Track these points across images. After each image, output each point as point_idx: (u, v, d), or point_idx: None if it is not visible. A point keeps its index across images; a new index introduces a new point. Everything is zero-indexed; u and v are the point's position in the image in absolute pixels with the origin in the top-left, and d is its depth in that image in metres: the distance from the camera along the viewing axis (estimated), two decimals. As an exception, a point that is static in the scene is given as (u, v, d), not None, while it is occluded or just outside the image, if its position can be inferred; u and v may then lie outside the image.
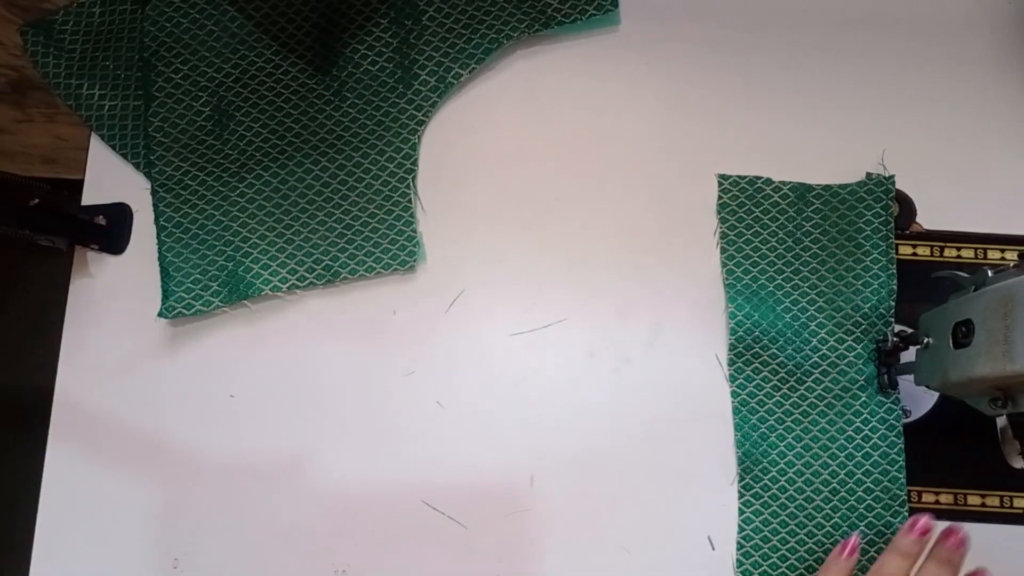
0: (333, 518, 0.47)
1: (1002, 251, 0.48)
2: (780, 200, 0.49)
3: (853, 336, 0.47)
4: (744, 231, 0.49)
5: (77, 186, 0.52)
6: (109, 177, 0.52)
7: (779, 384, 0.47)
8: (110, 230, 0.51)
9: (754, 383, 0.47)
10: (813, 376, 0.47)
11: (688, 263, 0.49)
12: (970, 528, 0.45)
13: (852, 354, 0.47)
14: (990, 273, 0.38)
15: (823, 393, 0.46)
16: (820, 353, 0.47)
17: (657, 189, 0.51)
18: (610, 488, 0.46)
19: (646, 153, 0.51)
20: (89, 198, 0.52)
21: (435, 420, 0.48)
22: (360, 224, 0.50)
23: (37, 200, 0.45)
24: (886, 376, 0.46)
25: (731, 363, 0.47)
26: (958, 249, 0.48)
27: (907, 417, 0.47)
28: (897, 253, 0.47)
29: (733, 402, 0.47)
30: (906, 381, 0.46)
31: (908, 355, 0.46)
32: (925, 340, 0.41)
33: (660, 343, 0.48)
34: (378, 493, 0.47)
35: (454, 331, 0.49)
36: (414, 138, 0.51)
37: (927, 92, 0.51)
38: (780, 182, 0.49)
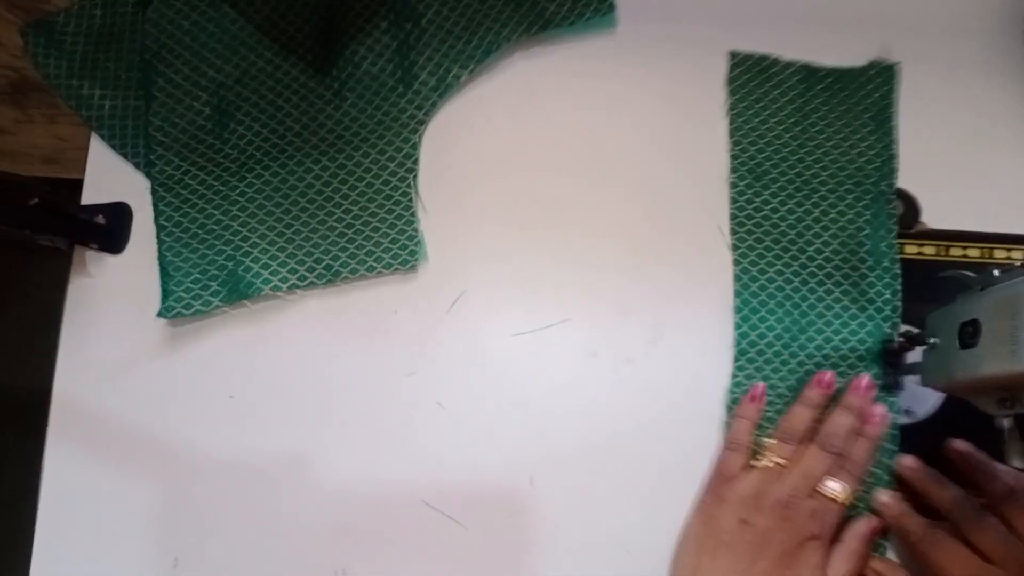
0: (333, 518, 0.46)
1: (1008, 250, 0.48)
2: (788, 78, 0.50)
3: (855, 210, 0.48)
4: (753, 104, 0.50)
5: (77, 186, 0.52)
6: (109, 177, 0.52)
7: (781, 253, 0.48)
8: (110, 230, 0.51)
9: (756, 252, 0.48)
10: (815, 246, 0.48)
11: (689, 263, 0.49)
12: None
13: (853, 226, 0.48)
14: (997, 272, 0.38)
15: (823, 263, 0.48)
16: (822, 224, 0.48)
17: (658, 189, 0.50)
18: (611, 488, 0.46)
19: (646, 153, 0.51)
20: (89, 198, 0.51)
21: (436, 420, 0.47)
22: (361, 224, 0.50)
23: (37, 199, 0.45)
24: (892, 377, 0.46)
25: (733, 232, 0.49)
26: (964, 248, 0.48)
27: (909, 418, 0.46)
28: (903, 252, 0.48)
29: (735, 270, 0.48)
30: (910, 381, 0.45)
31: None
32: (931, 340, 0.41)
33: (661, 343, 0.48)
34: (378, 493, 0.47)
35: (455, 331, 0.49)
36: (414, 138, 0.51)
37: (931, 92, 0.51)
38: (789, 61, 0.51)
